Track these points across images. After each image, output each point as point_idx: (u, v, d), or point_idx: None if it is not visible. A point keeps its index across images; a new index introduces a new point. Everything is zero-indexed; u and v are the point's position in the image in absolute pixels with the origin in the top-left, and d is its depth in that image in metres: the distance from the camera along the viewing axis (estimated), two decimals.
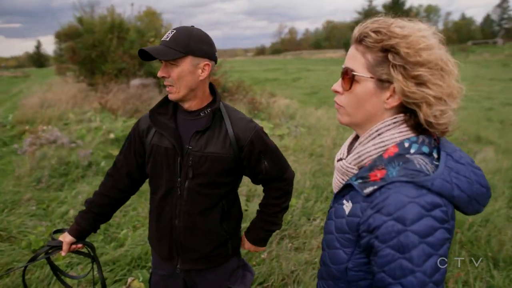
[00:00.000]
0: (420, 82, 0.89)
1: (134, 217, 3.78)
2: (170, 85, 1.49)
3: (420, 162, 0.90)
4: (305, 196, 4.25)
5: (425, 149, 0.94)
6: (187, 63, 1.46)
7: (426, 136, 0.96)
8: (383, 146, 0.96)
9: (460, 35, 68.61)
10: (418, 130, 0.95)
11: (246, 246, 1.84)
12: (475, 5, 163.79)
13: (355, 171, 1.00)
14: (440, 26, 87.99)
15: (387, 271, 0.86)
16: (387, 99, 0.95)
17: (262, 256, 3.05)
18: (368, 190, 0.91)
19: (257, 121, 8.36)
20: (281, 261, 2.97)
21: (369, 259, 0.93)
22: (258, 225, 1.79)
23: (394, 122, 0.96)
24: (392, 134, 0.96)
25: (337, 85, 1.04)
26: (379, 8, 58.62)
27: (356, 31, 0.99)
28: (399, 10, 56.90)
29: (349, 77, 0.99)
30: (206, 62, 1.50)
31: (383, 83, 0.94)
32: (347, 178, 1.04)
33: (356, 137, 1.10)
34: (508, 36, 59.35)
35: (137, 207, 4.01)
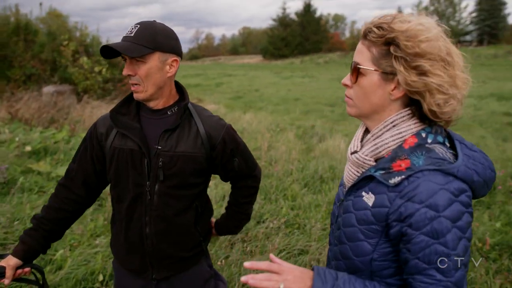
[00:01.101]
0: (420, 72, 0.92)
1: (69, 236, 3.43)
2: (136, 84, 1.39)
3: (441, 151, 0.94)
4: None
5: (440, 138, 0.98)
6: (155, 59, 1.38)
7: (438, 126, 0.99)
8: (401, 137, 0.98)
9: None
10: (425, 121, 0.99)
11: (213, 235, 1.86)
12: (374, 16, 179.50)
13: (372, 163, 1.01)
14: (347, 33, 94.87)
15: (421, 257, 0.88)
16: (392, 90, 0.97)
17: (218, 263, 2.97)
18: (395, 180, 0.92)
19: None
20: (240, 266, 2.92)
21: (394, 248, 0.95)
22: (230, 223, 1.79)
23: (408, 114, 0.98)
24: (408, 125, 0.98)
25: (346, 79, 1.07)
26: (293, 16, 61.39)
27: (362, 27, 1.02)
28: (310, 17, 60.18)
29: (355, 71, 1.01)
30: (174, 58, 1.43)
31: (387, 75, 0.96)
32: (363, 170, 1.04)
33: (366, 130, 1.11)
34: None
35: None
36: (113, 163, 1.48)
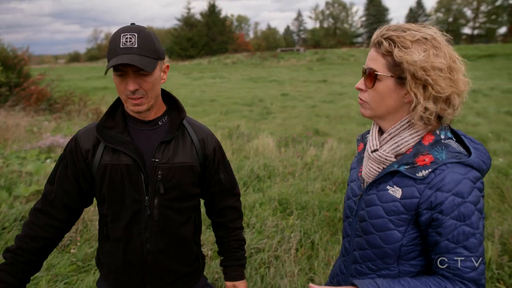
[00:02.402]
0: (425, 84, 1.03)
1: None
2: (140, 97, 1.30)
3: (455, 145, 1.08)
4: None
5: (449, 134, 1.11)
6: (158, 69, 1.33)
7: (444, 123, 1.12)
8: (419, 135, 1.09)
9: (268, 43, 77.33)
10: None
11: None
12: (277, 17, 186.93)
13: (393, 159, 1.11)
14: (251, 34, 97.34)
15: (450, 239, 1.00)
16: (405, 94, 1.08)
17: None
18: (423, 173, 1.03)
19: None
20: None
21: (420, 234, 1.08)
22: (235, 257, 1.61)
23: (420, 116, 1.08)
24: (422, 125, 1.08)
25: (361, 84, 1.15)
26: (198, 16, 61.00)
27: (374, 37, 1.11)
28: (216, 18, 60.43)
29: (372, 77, 1.10)
30: (166, 64, 1.40)
31: (402, 80, 1.07)
32: (384, 166, 1.13)
33: (380, 130, 1.19)
34: (305, 45, 70.14)
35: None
36: (106, 181, 1.37)
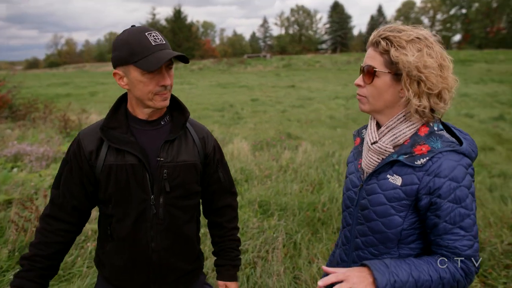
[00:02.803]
0: (419, 81, 1.13)
1: None
2: (167, 92, 1.36)
3: (447, 135, 1.18)
4: None
5: (441, 126, 1.21)
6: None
7: (435, 117, 1.22)
8: (415, 127, 1.19)
9: (235, 49, 77.64)
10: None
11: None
12: (243, 24, 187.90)
13: (392, 150, 1.20)
14: (217, 41, 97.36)
15: (448, 220, 1.10)
16: (401, 89, 1.17)
17: None
18: (421, 161, 1.13)
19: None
20: None
21: (418, 218, 1.17)
22: (229, 257, 1.64)
23: (416, 109, 1.18)
24: (418, 117, 1.18)
25: (359, 80, 1.24)
26: (163, 22, 60.36)
27: (372, 37, 1.21)
28: (181, 24, 60.00)
29: (370, 73, 1.19)
30: None
31: (398, 76, 1.16)
32: (383, 157, 1.22)
33: (377, 125, 1.28)
34: (271, 51, 70.95)
35: None
36: (111, 181, 1.38)
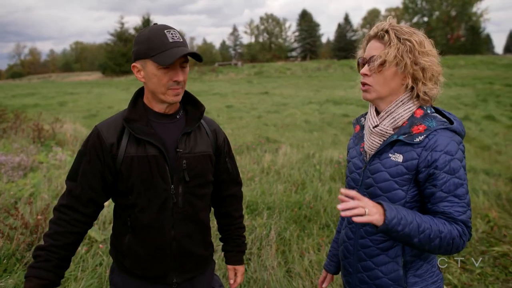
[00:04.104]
0: (423, 68, 1.29)
1: None
2: (180, 88, 1.43)
3: (440, 117, 1.33)
4: None
5: (433, 110, 1.37)
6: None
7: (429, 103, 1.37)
8: (411, 110, 1.34)
9: (205, 57, 77.67)
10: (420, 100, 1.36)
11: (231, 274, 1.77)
12: (212, 33, 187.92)
13: (392, 132, 1.34)
14: None
15: (443, 189, 1.24)
16: (404, 77, 1.32)
17: None
18: (420, 138, 1.27)
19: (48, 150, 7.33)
20: None
21: (418, 190, 1.30)
22: (236, 244, 1.75)
23: (409, 95, 1.35)
24: (413, 102, 1.34)
25: (365, 70, 1.36)
26: (131, 31, 59.55)
27: (376, 30, 1.34)
28: None
29: (380, 64, 1.31)
30: None
31: (404, 65, 1.29)
32: (385, 138, 1.36)
33: (376, 111, 1.42)
34: (242, 59, 71.41)
35: None
36: (133, 172, 1.43)
